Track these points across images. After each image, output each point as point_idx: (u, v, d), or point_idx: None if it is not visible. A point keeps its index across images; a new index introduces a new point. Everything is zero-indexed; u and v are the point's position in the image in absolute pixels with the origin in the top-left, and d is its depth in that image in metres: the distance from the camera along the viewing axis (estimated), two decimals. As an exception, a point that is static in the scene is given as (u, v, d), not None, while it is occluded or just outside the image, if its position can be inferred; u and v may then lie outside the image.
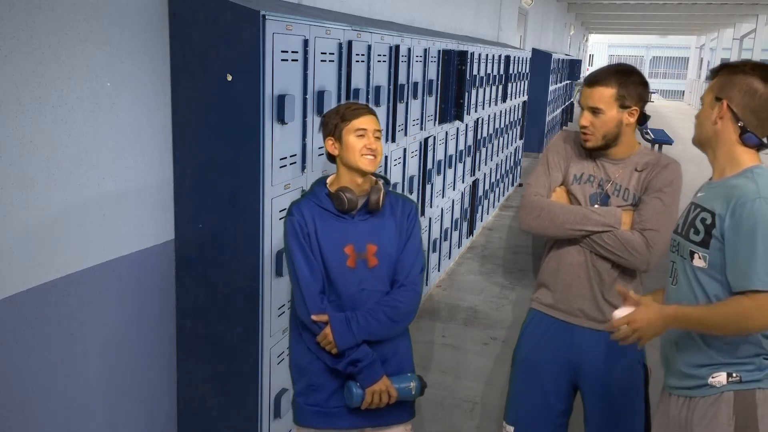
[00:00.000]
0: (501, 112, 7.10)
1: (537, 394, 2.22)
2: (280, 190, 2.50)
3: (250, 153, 2.36)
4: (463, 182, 5.73)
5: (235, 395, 2.57)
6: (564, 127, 15.25)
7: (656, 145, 11.68)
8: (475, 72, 5.52)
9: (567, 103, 15.64)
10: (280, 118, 2.42)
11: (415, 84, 3.98)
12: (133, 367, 2.44)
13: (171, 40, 2.40)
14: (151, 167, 2.41)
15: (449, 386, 3.64)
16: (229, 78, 2.32)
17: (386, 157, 3.65)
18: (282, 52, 2.39)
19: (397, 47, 3.56)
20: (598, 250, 2.08)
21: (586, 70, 25.98)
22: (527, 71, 8.73)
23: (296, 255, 1.92)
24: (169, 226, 2.53)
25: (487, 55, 6.00)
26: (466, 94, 5.17)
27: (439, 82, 4.54)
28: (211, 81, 2.36)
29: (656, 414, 1.93)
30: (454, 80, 4.75)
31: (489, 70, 6.16)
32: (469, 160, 5.86)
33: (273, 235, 2.47)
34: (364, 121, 1.93)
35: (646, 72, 40.39)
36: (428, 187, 4.57)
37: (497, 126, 7.03)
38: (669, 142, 11.84)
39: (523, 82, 8.39)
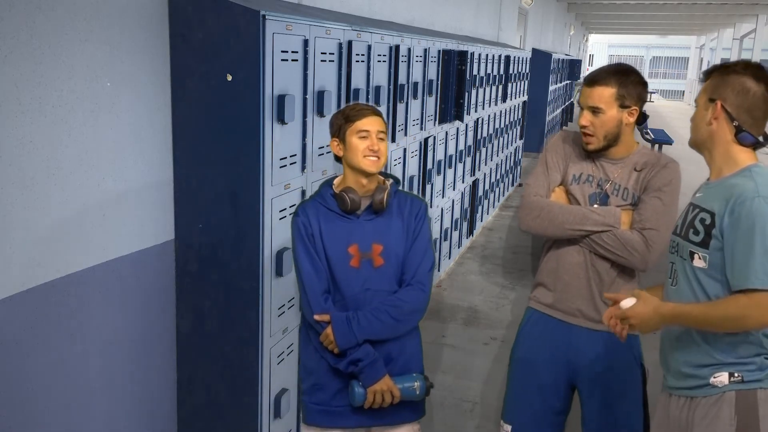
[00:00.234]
0: (501, 112, 7.10)
1: (534, 393, 2.22)
2: (280, 190, 2.50)
3: (250, 153, 2.36)
4: (463, 182, 5.74)
5: (235, 395, 2.57)
6: (564, 127, 15.25)
7: (656, 145, 11.68)
8: (475, 72, 5.52)
9: (567, 103, 15.64)
10: (280, 118, 2.42)
11: (415, 84, 3.98)
12: (133, 367, 2.44)
13: (171, 40, 2.40)
14: (151, 167, 2.41)
15: (449, 386, 3.64)
16: (229, 78, 2.32)
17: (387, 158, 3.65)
18: (282, 52, 2.39)
19: (397, 47, 3.56)
20: (598, 249, 2.08)
21: (586, 70, 25.97)
22: (527, 71, 8.73)
23: (301, 255, 1.93)
24: (169, 226, 2.53)
25: (487, 55, 6.00)
26: (466, 94, 5.17)
27: (439, 82, 4.54)
28: (211, 81, 2.36)
29: (656, 414, 1.93)
30: (454, 80, 4.75)
31: (489, 70, 6.16)
32: (469, 160, 5.86)
33: (273, 235, 2.47)
34: (367, 123, 1.93)
35: (646, 72, 40.42)
36: (428, 187, 4.57)
37: (497, 126, 7.03)
38: (669, 142, 11.84)
39: (523, 82, 8.39)
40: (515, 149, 8.68)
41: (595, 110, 2.04)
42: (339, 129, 1.96)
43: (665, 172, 2.06)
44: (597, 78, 2.05)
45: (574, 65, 16.26)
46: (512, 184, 8.93)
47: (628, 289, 2.14)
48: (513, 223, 7.36)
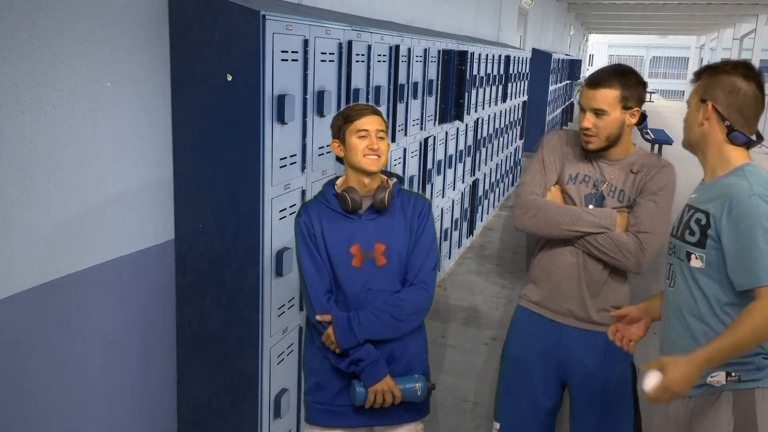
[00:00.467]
0: (501, 112, 7.10)
1: (525, 392, 2.23)
2: (280, 190, 2.50)
3: (250, 153, 2.36)
4: (463, 182, 5.74)
5: (235, 395, 2.57)
6: (564, 127, 15.25)
7: (656, 145, 11.67)
8: (475, 72, 5.52)
9: (567, 103, 15.64)
10: (280, 118, 2.42)
11: (415, 84, 3.98)
12: (133, 367, 2.44)
13: (171, 40, 2.40)
14: (151, 167, 2.41)
15: (449, 386, 3.64)
16: (229, 78, 2.32)
17: (389, 157, 3.65)
18: (282, 52, 2.39)
19: (397, 47, 3.56)
20: (592, 251, 2.09)
21: (586, 70, 25.96)
22: (527, 71, 8.73)
23: (303, 255, 1.94)
24: (169, 226, 2.53)
25: (487, 55, 6.00)
26: (466, 94, 5.17)
27: (439, 82, 4.54)
28: (211, 81, 2.36)
29: (655, 413, 1.93)
30: (454, 80, 4.75)
31: (489, 70, 6.16)
32: (469, 160, 5.86)
33: (273, 235, 2.47)
34: (366, 122, 1.93)
35: (646, 72, 40.44)
36: (428, 187, 4.57)
37: (497, 126, 7.03)
38: (669, 142, 11.83)
39: (523, 82, 8.39)
40: (515, 149, 8.69)
41: (598, 112, 2.03)
42: (339, 129, 1.96)
43: (661, 176, 2.06)
44: (600, 80, 2.04)
45: (574, 65, 16.26)
46: (512, 184, 8.93)
47: (618, 290, 2.15)
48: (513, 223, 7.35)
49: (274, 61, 2.34)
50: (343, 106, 2.73)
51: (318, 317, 1.91)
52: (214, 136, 2.41)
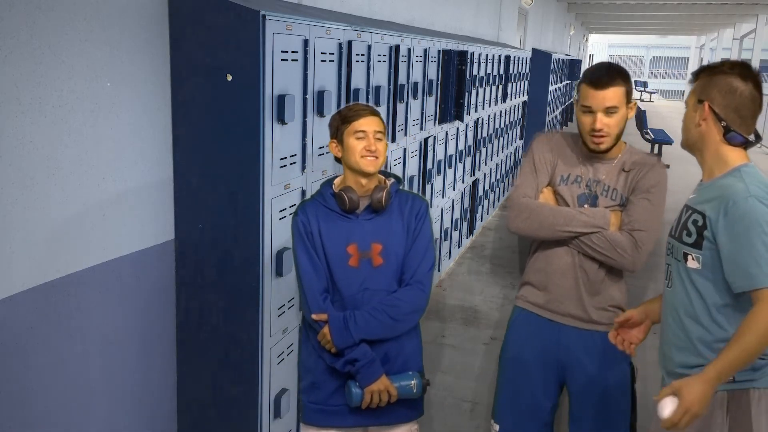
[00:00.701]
0: (501, 112, 7.10)
1: (524, 392, 2.23)
2: (280, 190, 2.50)
3: (250, 153, 2.36)
4: (463, 182, 5.74)
5: (235, 395, 2.57)
6: (564, 127, 15.25)
7: (656, 145, 11.67)
8: (475, 72, 5.52)
9: (567, 103, 15.64)
10: (280, 118, 2.42)
11: (415, 84, 3.98)
12: (133, 367, 2.44)
13: (171, 40, 2.40)
14: (151, 167, 2.41)
15: (449, 386, 3.64)
16: (229, 78, 2.32)
17: (386, 157, 3.65)
18: (282, 52, 2.39)
19: (397, 47, 3.56)
20: (587, 250, 2.09)
21: (585, 70, 25.86)
22: (527, 71, 8.73)
23: (300, 254, 1.94)
24: (169, 226, 2.53)
25: (487, 55, 6.00)
26: (466, 94, 5.16)
27: (439, 82, 4.54)
28: (211, 81, 2.36)
29: (654, 413, 1.93)
30: (454, 80, 4.75)
31: (489, 70, 6.16)
32: (469, 160, 5.86)
33: (273, 235, 2.47)
34: (363, 123, 1.93)
35: (646, 72, 40.46)
36: (428, 187, 4.57)
37: (497, 126, 7.03)
38: (669, 142, 11.83)
39: (523, 82, 8.39)
40: (515, 149, 8.68)
41: (611, 111, 2.02)
42: (337, 130, 1.96)
43: (653, 174, 2.07)
44: (608, 79, 2.02)
45: (574, 65, 16.25)
46: (512, 184, 8.93)
47: (615, 289, 2.15)
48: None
49: (274, 61, 2.34)
50: (343, 106, 2.73)
51: (314, 316, 1.91)
52: (214, 136, 2.41)
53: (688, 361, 1.76)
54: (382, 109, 3.46)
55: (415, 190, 4.29)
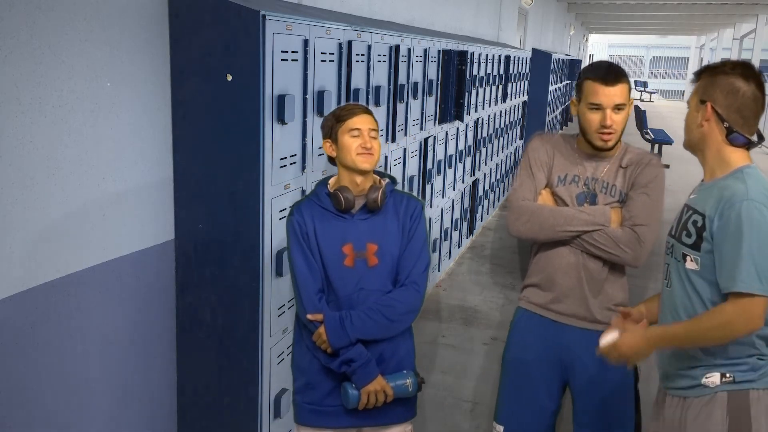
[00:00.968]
0: (501, 112, 7.10)
1: (527, 393, 2.23)
2: (280, 190, 2.50)
3: (250, 153, 2.36)
4: (463, 182, 5.73)
5: (235, 395, 2.57)
6: (564, 127, 15.25)
7: (656, 145, 11.67)
8: (475, 72, 5.52)
9: (567, 103, 15.63)
10: (280, 118, 2.42)
11: (415, 84, 3.98)
12: (133, 367, 2.44)
13: (171, 40, 2.40)
14: (151, 167, 2.41)
15: (449, 386, 3.64)
16: (229, 78, 2.32)
17: (386, 157, 3.65)
18: (282, 52, 2.39)
19: (397, 47, 3.56)
20: (590, 249, 2.09)
21: (585, 71, 25.82)
22: (527, 71, 8.73)
23: (295, 254, 1.93)
24: (169, 226, 2.53)
25: (487, 55, 6.00)
26: (466, 94, 5.17)
27: (439, 82, 4.54)
28: (211, 81, 2.36)
29: (652, 413, 1.93)
30: (454, 80, 4.75)
31: (489, 70, 6.16)
32: (469, 160, 5.86)
33: (273, 235, 2.47)
34: (358, 121, 1.93)
35: (646, 72, 40.44)
36: (428, 187, 4.57)
37: (497, 126, 7.03)
38: (669, 142, 11.82)
39: (523, 82, 8.39)
40: (515, 149, 8.68)
41: (619, 107, 2.03)
42: (331, 129, 1.96)
43: (650, 169, 2.08)
44: (616, 76, 2.02)
45: (574, 65, 16.25)
46: (512, 184, 8.92)
47: (618, 287, 2.15)
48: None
49: (274, 61, 2.34)
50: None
51: (309, 316, 1.91)
52: (214, 135, 2.41)
53: (684, 362, 1.75)
54: (382, 109, 3.46)
55: (415, 190, 4.29)
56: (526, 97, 8.83)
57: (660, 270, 1.89)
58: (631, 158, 2.11)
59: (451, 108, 4.78)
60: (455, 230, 5.66)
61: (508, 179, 8.51)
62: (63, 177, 2.04)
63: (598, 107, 2.03)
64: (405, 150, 3.98)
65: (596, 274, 2.12)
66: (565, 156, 2.17)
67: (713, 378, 1.70)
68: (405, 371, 1.99)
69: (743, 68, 1.71)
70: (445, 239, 5.33)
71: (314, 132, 2.67)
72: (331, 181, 2.02)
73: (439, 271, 5.28)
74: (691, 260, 1.71)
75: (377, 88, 3.33)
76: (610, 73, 2.03)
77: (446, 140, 4.96)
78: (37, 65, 1.91)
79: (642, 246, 2.03)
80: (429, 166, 4.50)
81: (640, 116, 12.10)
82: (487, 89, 6.19)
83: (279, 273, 2.54)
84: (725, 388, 1.69)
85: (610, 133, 2.04)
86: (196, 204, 2.49)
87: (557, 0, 15.96)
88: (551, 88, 11.82)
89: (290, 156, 2.55)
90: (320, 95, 2.69)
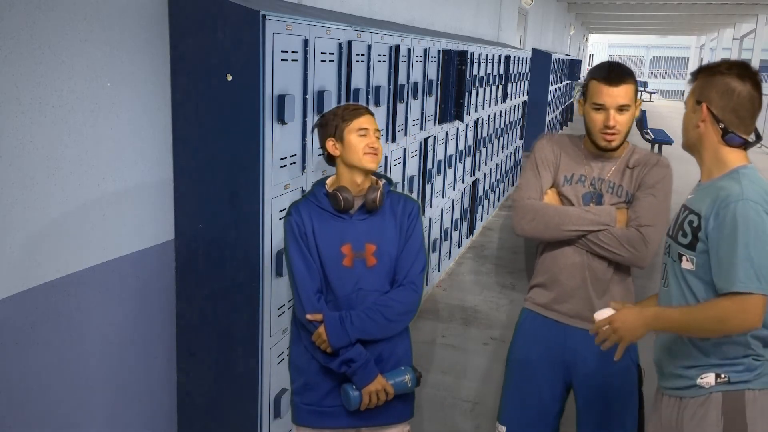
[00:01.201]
0: (501, 112, 7.10)
1: (530, 394, 2.22)
2: (280, 190, 2.50)
3: (250, 153, 2.36)
4: (463, 182, 5.73)
5: (235, 395, 2.57)
6: (564, 127, 15.25)
7: (656, 145, 11.67)
8: (475, 72, 5.52)
9: (567, 103, 15.64)
10: (280, 118, 2.42)
11: (415, 84, 3.98)
12: (133, 367, 2.44)
13: (171, 40, 2.41)
14: (151, 167, 2.41)
15: (449, 386, 3.64)
16: (229, 78, 2.32)
17: (386, 157, 3.65)
18: (282, 52, 2.39)
19: (397, 47, 3.56)
20: (595, 249, 2.08)
21: (586, 70, 25.90)
22: (527, 71, 8.73)
23: (293, 254, 1.93)
24: (169, 226, 2.53)
25: (487, 55, 6.00)
26: (466, 94, 5.16)
27: (439, 82, 4.54)
28: (211, 81, 2.36)
29: (651, 414, 1.93)
30: (454, 80, 4.75)
31: (489, 70, 6.16)
32: (469, 160, 5.86)
33: (273, 235, 2.47)
34: (365, 121, 1.94)
35: (645, 72, 40.42)
36: (428, 187, 4.57)
37: (497, 126, 7.03)
38: (669, 142, 11.83)
39: (523, 82, 8.39)
40: (515, 149, 8.69)
41: (623, 108, 2.02)
42: (336, 128, 1.96)
43: (657, 170, 2.07)
44: (621, 76, 2.02)
45: (574, 65, 16.26)
46: (512, 184, 8.93)
47: (623, 288, 2.15)
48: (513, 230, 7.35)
49: (274, 61, 2.34)
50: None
51: (309, 316, 1.91)
52: (214, 136, 2.41)
53: (683, 361, 1.75)
54: (382, 109, 3.46)
55: (415, 190, 4.29)
56: (526, 97, 8.83)
57: (658, 270, 1.89)
58: (638, 159, 2.10)
59: (451, 108, 4.78)
60: (455, 230, 5.66)
61: (508, 179, 8.51)
62: (63, 177, 2.04)
63: (602, 107, 2.03)
64: (405, 150, 3.98)
65: (601, 274, 2.11)
66: (571, 156, 2.17)
67: (708, 378, 1.69)
68: (403, 367, 1.99)
69: (739, 68, 1.70)
70: (445, 239, 5.33)
71: (314, 132, 2.67)
72: (329, 181, 2.02)
73: (439, 271, 5.28)
74: (687, 260, 1.71)
75: (377, 88, 3.33)
76: (614, 73, 2.02)
77: (446, 140, 4.96)
78: (37, 65, 1.91)
79: (647, 247, 2.02)
80: (429, 166, 4.50)
81: (640, 116, 12.10)
82: (487, 89, 6.19)
83: (279, 273, 2.54)
84: (720, 388, 1.69)
85: (613, 134, 2.03)
86: (196, 204, 2.50)
87: (557, 0, 15.96)
88: (551, 88, 11.83)
89: (290, 156, 2.55)
90: (320, 95, 2.69)
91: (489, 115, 6.49)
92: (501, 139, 7.38)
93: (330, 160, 2.01)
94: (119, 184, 2.27)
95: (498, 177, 7.64)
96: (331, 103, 2.75)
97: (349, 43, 2.93)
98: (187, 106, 2.43)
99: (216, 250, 2.49)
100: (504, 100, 7.08)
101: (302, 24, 2.51)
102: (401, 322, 1.98)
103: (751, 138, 1.72)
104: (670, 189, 2.08)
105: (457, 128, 5.24)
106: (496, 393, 3.49)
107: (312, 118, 2.65)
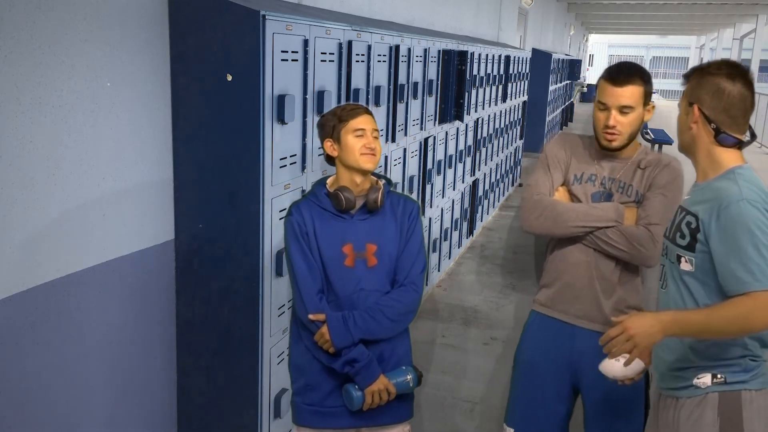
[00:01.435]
0: (501, 112, 7.10)
1: (538, 396, 2.21)
2: (280, 190, 2.50)
3: (250, 153, 2.36)
4: (463, 182, 5.73)
5: (235, 395, 2.57)
6: (564, 127, 15.25)
7: (656, 145, 11.67)
8: (475, 72, 5.52)
9: (567, 103, 15.65)
10: (280, 118, 2.42)
11: (415, 84, 3.98)
12: (133, 367, 2.44)
13: (171, 40, 2.40)
14: (151, 167, 2.41)
15: (449, 386, 3.64)
16: (229, 78, 2.32)
17: (386, 157, 3.65)
18: (282, 52, 2.39)
19: (397, 47, 3.56)
20: (603, 247, 2.07)
21: (586, 70, 25.93)
22: (527, 71, 8.73)
23: (295, 254, 1.92)
24: (169, 226, 2.53)
25: (487, 55, 6.00)
26: (466, 94, 5.16)
27: (439, 82, 4.54)
28: (211, 81, 2.36)
29: (651, 414, 1.93)
30: (454, 80, 4.75)
31: (489, 70, 6.16)
32: (469, 160, 5.86)
33: (273, 235, 2.47)
34: (362, 121, 1.94)
35: (645, 72, 40.34)
36: (428, 187, 4.57)
37: (497, 126, 7.03)
38: (669, 142, 11.83)
39: (523, 82, 8.39)
40: (515, 149, 8.68)
41: (625, 109, 2.01)
42: (333, 129, 1.96)
43: (668, 171, 2.07)
44: (627, 77, 2.01)
45: (574, 65, 16.26)
46: (512, 184, 8.93)
47: (631, 289, 2.14)
48: (513, 223, 7.36)
49: (274, 61, 2.34)
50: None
51: (311, 317, 1.91)
52: (214, 136, 2.41)
53: (679, 364, 1.75)
54: (382, 109, 3.46)
55: (415, 190, 4.29)
56: (526, 97, 8.83)
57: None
58: (650, 160, 2.09)
59: (451, 108, 4.78)
60: (455, 230, 5.66)
61: (508, 179, 8.51)
62: (63, 177, 2.04)
63: (605, 107, 2.03)
64: (405, 150, 3.98)
65: (608, 274, 2.10)
66: (582, 155, 2.16)
67: (704, 379, 1.69)
68: (404, 367, 1.99)
69: (729, 68, 1.69)
70: (445, 239, 5.33)
71: (314, 132, 2.67)
72: (329, 181, 2.02)
73: (439, 271, 5.28)
74: (686, 261, 1.70)
75: (377, 88, 3.33)
76: (620, 73, 2.01)
77: (446, 140, 4.96)
78: (37, 65, 1.91)
79: (656, 245, 2.00)
80: (429, 166, 4.50)
81: (641, 116, 12.10)
82: (487, 89, 6.19)
83: (279, 273, 2.54)
84: (716, 389, 1.68)
85: (613, 134, 2.03)
86: (196, 204, 2.50)
87: (557, 0, 15.96)
88: (551, 88, 11.83)
89: (290, 156, 2.55)
90: (320, 95, 2.69)
91: (489, 115, 6.49)
92: (501, 139, 7.38)
93: (330, 160, 2.01)
94: (119, 184, 2.27)
95: (498, 177, 7.64)
96: (331, 103, 2.74)
97: (349, 43, 2.93)
98: (187, 106, 2.43)
99: (216, 250, 2.49)
100: (504, 100, 7.08)
101: (302, 24, 2.51)
102: (403, 322, 1.98)
103: (745, 137, 1.72)
104: (680, 190, 2.06)
105: (457, 128, 5.24)
106: (496, 393, 3.49)
107: (312, 118, 2.65)
